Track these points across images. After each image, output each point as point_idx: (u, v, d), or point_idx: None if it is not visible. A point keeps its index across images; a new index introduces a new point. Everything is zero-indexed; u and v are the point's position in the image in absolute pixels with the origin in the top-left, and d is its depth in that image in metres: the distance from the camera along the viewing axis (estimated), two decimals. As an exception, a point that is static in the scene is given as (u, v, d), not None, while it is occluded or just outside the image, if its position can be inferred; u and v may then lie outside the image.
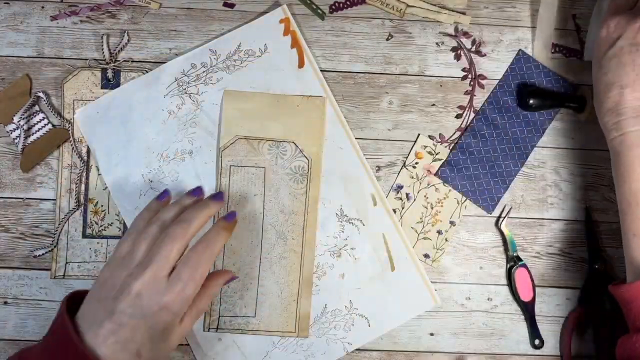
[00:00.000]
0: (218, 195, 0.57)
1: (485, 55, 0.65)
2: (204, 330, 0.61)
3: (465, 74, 0.64)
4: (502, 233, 0.63)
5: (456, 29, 0.65)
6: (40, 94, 0.62)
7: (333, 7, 0.64)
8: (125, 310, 0.47)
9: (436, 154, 0.63)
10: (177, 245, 0.50)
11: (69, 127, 0.62)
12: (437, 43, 0.65)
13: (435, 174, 0.63)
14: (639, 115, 0.48)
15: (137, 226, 0.53)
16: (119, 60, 0.63)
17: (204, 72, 0.63)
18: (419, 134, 0.63)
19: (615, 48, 0.49)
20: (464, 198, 0.63)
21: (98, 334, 0.46)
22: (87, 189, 0.62)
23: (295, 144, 0.62)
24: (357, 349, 0.61)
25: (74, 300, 0.49)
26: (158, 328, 0.48)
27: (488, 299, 0.63)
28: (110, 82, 0.63)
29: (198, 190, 0.58)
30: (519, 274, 0.62)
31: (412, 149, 0.63)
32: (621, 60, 0.48)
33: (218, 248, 0.52)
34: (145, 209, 0.55)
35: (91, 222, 0.62)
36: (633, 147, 0.48)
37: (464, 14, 0.65)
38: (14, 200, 0.62)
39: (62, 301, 0.49)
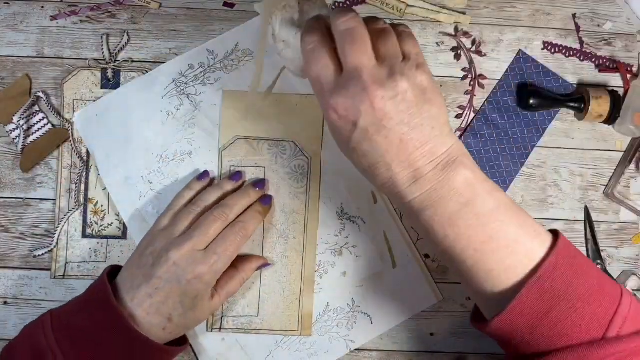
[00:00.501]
0: (259, 184, 0.60)
1: (485, 55, 0.65)
2: (207, 331, 0.60)
3: (465, 74, 0.65)
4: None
5: (456, 29, 0.65)
6: (40, 94, 0.62)
7: (333, 7, 0.64)
8: (162, 276, 0.51)
9: (436, 154, 0.63)
10: (216, 225, 0.54)
11: (69, 127, 0.62)
12: (437, 43, 0.65)
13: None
14: (413, 183, 0.42)
15: (178, 204, 0.58)
16: (119, 60, 0.63)
17: (201, 72, 0.63)
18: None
19: (359, 131, 0.41)
20: (464, 198, 0.63)
21: (135, 297, 0.51)
22: (87, 189, 0.62)
23: (294, 142, 0.62)
24: (357, 349, 0.61)
25: (112, 273, 0.54)
26: (190, 295, 0.52)
27: (488, 299, 0.63)
28: (110, 82, 0.63)
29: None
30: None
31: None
32: (373, 142, 0.41)
33: (252, 229, 0.57)
34: (186, 188, 0.59)
35: (91, 222, 0.62)
36: (421, 212, 0.43)
37: (464, 14, 0.65)
38: (14, 200, 0.62)
39: (104, 270, 0.54)
